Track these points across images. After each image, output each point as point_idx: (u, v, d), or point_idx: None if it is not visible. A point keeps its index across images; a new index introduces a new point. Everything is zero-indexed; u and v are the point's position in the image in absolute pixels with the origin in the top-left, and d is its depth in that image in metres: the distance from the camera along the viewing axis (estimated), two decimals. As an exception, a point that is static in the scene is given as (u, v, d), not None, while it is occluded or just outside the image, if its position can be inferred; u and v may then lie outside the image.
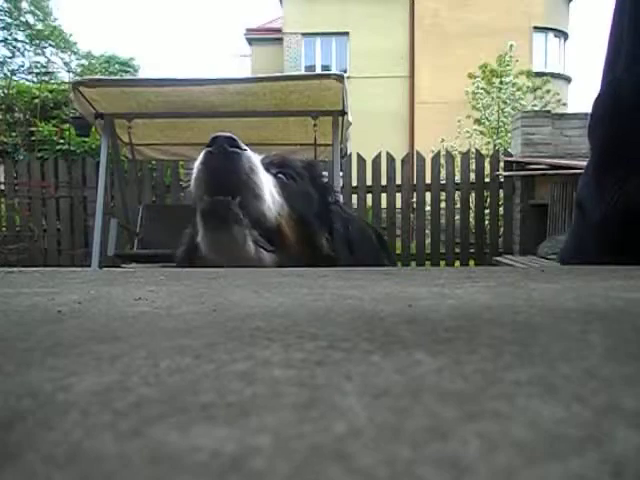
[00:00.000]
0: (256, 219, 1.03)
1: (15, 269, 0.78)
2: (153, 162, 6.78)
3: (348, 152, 5.72)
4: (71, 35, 13.21)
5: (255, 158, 1.06)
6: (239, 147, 1.03)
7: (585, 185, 1.02)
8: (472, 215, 7.08)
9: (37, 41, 12.54)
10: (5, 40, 12.41)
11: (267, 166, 1.16)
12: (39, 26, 12.69)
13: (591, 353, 0.28)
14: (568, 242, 1.12)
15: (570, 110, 14.14)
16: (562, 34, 17.75)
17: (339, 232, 1.19)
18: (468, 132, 11.07)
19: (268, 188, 1.06)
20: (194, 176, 1.04)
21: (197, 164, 1.03)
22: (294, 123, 4.79)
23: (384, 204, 7.00)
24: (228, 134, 1.03)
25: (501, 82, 11.40)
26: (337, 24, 16.83)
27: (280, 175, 1.17)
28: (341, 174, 5.59)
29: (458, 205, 7.19)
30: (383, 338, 0.32)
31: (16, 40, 12.52)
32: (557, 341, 0.31)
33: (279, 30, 17.86)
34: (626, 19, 0.93)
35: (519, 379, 0.24)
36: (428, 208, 7.13)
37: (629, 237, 0.89)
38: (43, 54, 12.66)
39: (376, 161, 6.98)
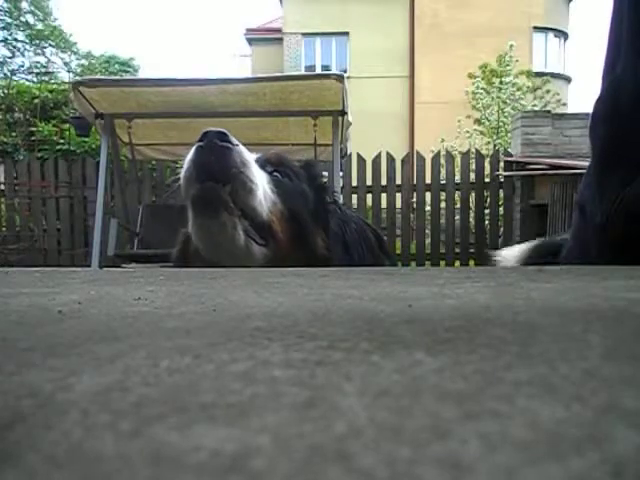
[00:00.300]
0: (246, 211, 1.02)
1: (15, 269, 0.78)
2: (153, 162, 6.78)
3: (348, 152, 5.73)
4: (71, 35, 13.23)
5: (247, 153, 1.06)
6: (230, 142, 1.02)
7: (587, 186, 1.02)
8: (472, 215, 7.08)
9: (37, 41, 12.54)
10: (5, 40, 12.41)
11: (263, 164, 1.15)
12: (39, 26, 12.69)
13: (591, 353, 0.28)
14: (569, 244, 1.12)
15: (570, 110, 14.14)
16: (562, 34, 17.75)
17: (335, 232, 1.18)
18: (468, 132, 11.06)
19: (260, 183, 1.06)
20: (184, 169, 1.03)
21: (188, 159, 1.03)
22: (294, 123, 4.80)
23: (384, 204, 7.00)
24: (219, 129, 1.03)
25: (501, 82, 11.40)
26: (337, 24, 16.83)
27: (276, 173, 1.17)
28: (341, 174, 5.59)
29: (458, 205, 7.18)
30: (383, 338, 0.32)
31: (16, 40, 12.53)
32: (557, 341, 0.31)
33: (279, 30, 17.86)
34: (625, 20, 0.93)
35: (519, 379, 0.24)
36: (428, 208, 7.13)
37: (631, 238, 0.89)
38: (43, 54, 12.67)
39: (376, 161, 6.98)
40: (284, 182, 1.17)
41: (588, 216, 0.99)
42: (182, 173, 1.04)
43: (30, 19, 12.67)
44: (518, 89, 11.50)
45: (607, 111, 0.97)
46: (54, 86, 10.66)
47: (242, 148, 1.05)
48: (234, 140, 1.04)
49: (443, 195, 7.11)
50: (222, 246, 1.02)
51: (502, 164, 7.05)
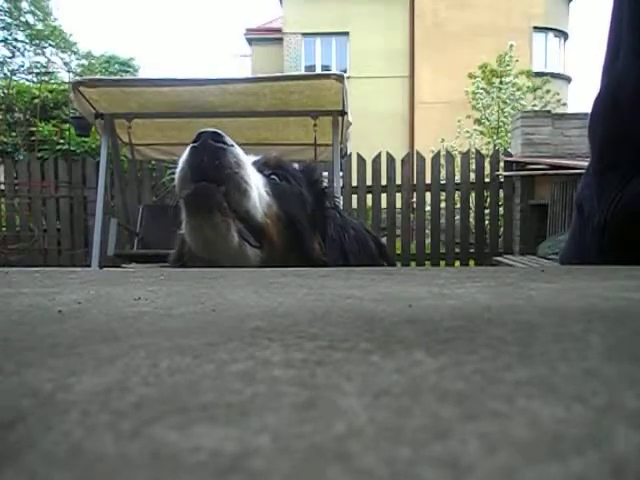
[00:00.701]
0: (240, 213, 1.02)
1: (15, 269, 0.78)
2: (153, 162, 6.78)
3: (348, 152, 5.73)
4: (71, 35, 13.25)
5: (242, 154, 1.05)
6: (225, 142, 1.02)
7: (586, 186, 1.02)
8: (472, 215, 7.08)
9: (37, 41, 12.55)
10: (5, 40, 12.42)
11: (261, 167, 1.15)
12: (39, 26, 12.70)
13: (591, 353, 0.28)
14: (568, 244, 1.12)
15: (570, 110, 14.13)
16: (562, 34, 17.75)
17: (333, 238, 1.16)
18: (468, 132, 11.06)
19: (255, 185, 1.05)
20: (178, 170, 1.03)
21: (182, 159, 1.03)
22: (294, 123, 4.80)
23: (384, 204, 7.00)
24: (214, 129, 1.02)
25: (501, 82, 11.40)
26: (337, 24, 16.83)
27: (273, 176, 1.16)
28: (341, 174, 5.59)
29: (458, 205, 7.19)
30: (383, 338, 0.32)
31: (16, 40, 12.54)
32: (557, 341, 0.31)
33: (279, 30, 17.86)
34: (625, 17, 0.93)
35: (519, 379, 0.24)
36: (428, 208, 7.14)
37: (630, 238, 0.89)
38: (43, 54, 12.68)
39: (376, 161, 6.98)
40: (282, 185, 1.16)
41: (586, 216, 0.99)
42: (176, 173, 1.04)
43: (30, 19, 12.68)
44: (518, 89, 11.50)
45: (606, 109, 0.97)
46: (54, 86, 10.66)
47: (237, 149, 1.04)
48: (229, 141, 1.03)
49: (443, 195, 7.11)
50: (215, 247, 1.02)
51: (502, 164, 7.05)
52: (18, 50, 12.52)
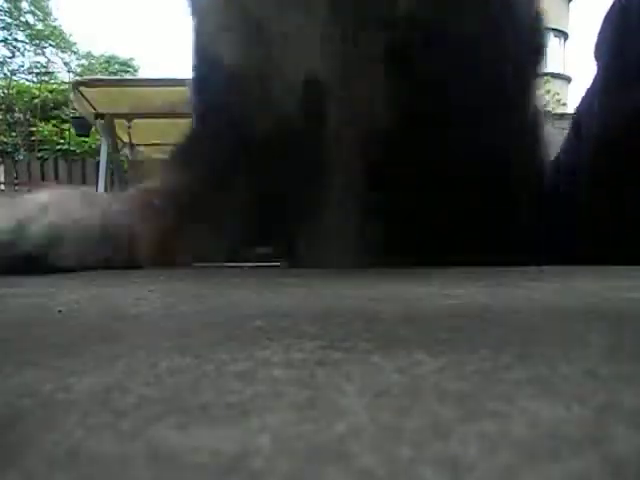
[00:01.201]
0: None
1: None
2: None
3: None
4: (71, 35, 13.25)
5: None
6: None
7: (588, 105, 0.98)
8: (472, 215, 7.08)
9: (37, 41, 12.55)
10: (5, 40, 12.42)
11: None
12: (39, 26, 12.70)
13: (591, 353, 0.28)
14: (559, 160, 1.05)
15: (570, 110, 14.10)
16: (562, 34, 17.73)
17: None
18: (468, 132, 11.06)
19: None
20: None
21: None
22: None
23: (384, 204, 7.00)
24: None
25: (501, 82, 11.39)
26: (337, 24, 16.81)
27: None
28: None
29: (458, 205, 7.18)
30: (383, 338, 0.32)
31: (16, 40, 12.54)
32: (557, 341, 0.31)
33: (279, 30, 17.83)
34: None
35: (519, 379, 0.24)
36: (428, 208, 7.13)
37: (628, 153, 0.85)
38: (43, 54, 12.68)
39: (376, 161, 6.98)
40: None
41: (584, 134, 0.96)
42: None
43: (30, 19, 12.68)
44: (518, 89, 11.48)
45: (616, 24, 0.93)
46: (54, 86, 10.66)
47: None
48: None
49: (443, 195, 7.10)
50: None
51: (502, 164, 7.04)
52: (18, 50, 12.52)
